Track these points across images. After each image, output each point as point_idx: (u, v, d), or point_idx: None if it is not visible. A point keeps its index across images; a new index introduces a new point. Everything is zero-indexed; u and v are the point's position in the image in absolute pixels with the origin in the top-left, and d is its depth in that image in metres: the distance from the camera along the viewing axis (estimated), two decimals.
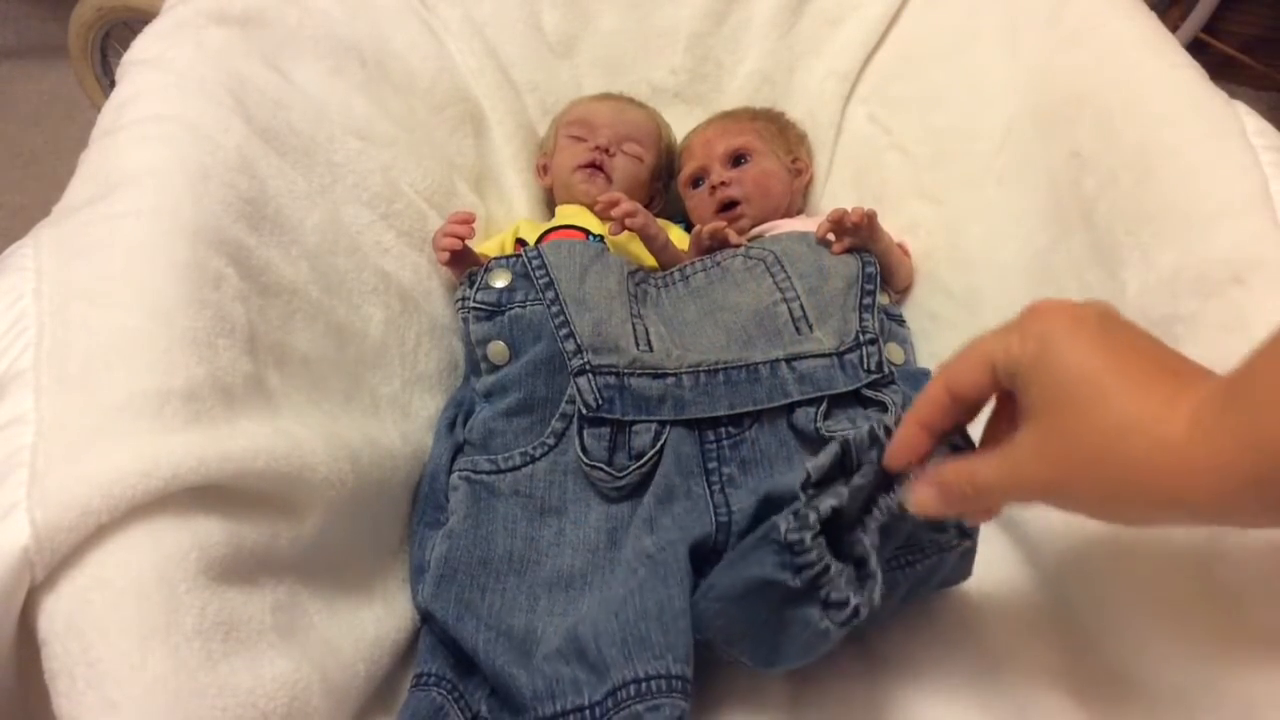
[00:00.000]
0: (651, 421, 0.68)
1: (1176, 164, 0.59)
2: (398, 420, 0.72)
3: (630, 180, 0.94)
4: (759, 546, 0.51)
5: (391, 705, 0.60)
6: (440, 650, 0.63)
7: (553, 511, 0.68)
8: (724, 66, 1.04)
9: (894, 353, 0.76)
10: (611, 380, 0.69)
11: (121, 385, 0.47)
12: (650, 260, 0.89)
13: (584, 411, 0.68)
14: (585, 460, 0.68)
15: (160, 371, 0.48)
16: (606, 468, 0.67)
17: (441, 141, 0.90)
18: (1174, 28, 1.59)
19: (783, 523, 0.49)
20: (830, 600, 0.47)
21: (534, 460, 0.70)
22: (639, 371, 0.70)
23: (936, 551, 0.56)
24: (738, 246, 0.84)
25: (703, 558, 0.62)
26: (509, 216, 0.97)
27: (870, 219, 0.79)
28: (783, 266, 0.78)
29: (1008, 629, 0.60)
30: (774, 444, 0.68)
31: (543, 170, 0.99)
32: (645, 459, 0.67)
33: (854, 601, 0.46)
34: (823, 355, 0.71)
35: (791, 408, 0.68)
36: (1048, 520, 0.61)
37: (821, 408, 0.68)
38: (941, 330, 0.81)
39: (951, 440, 0.46)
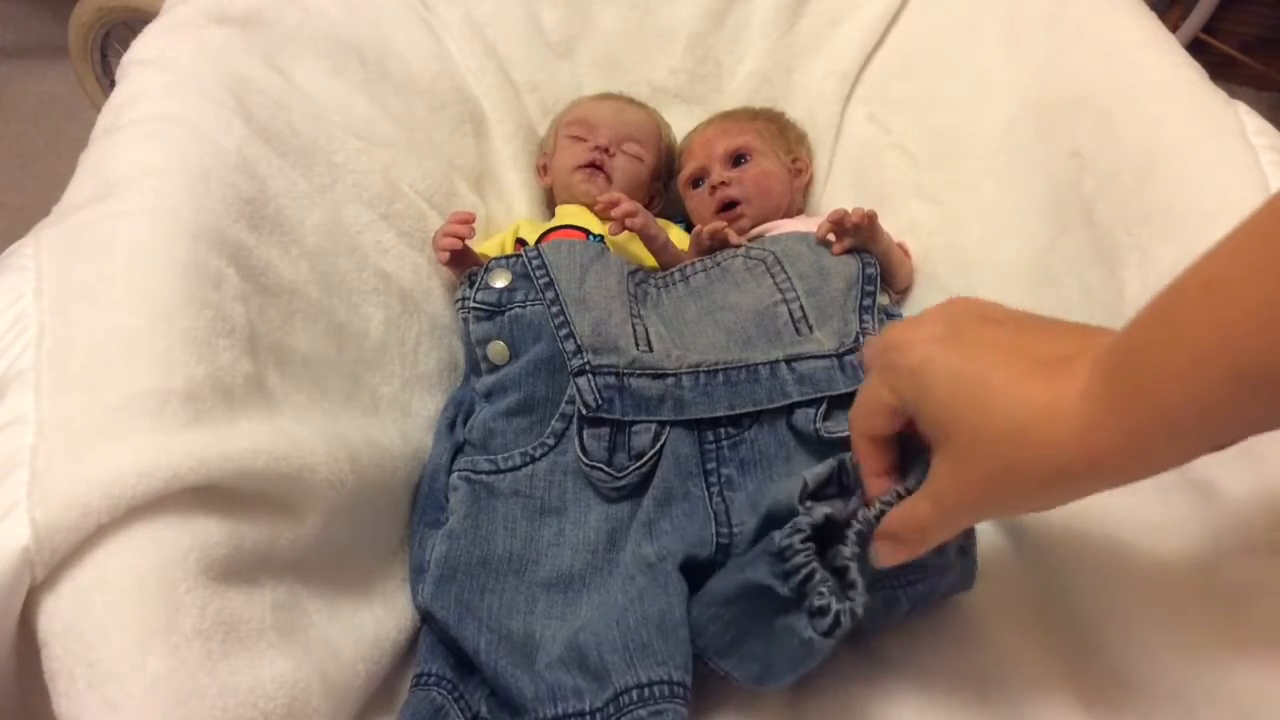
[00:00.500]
0: (651, 422, 0.68)
1: (1176, 164, 0.59)
2: (398, 420, 0.72)
3: (630, 180, 0.94)
4: (756, 555, 0.52)
5: (391, 705, 0.60)
6: (440, 650, 0.63)
7: (552, 512, 0.68)
8: (724, 66, 1.04)
9: None
10: (611, 380, 0.69)
11: (122, 385, 0.47)
12: (650, 260, 0.89)
13: (584, 411, 0.68)
14: (585, 460, 0.68)
15: (160, 371, 0.48)
16: (606, 468, 0.67)
17: (441, 141, 0.90)
18: (1174, 28, 1.59)
19: (778, 533, 0.50)
20: (814, 608, 0.48)
21: (534, 460, 0.70)
22: (639, 372, 0.70)
23: (938, 572, 0.56)
24: (738, 247, 0.84)
25: (699, 573, 0.63)
26: (509, 216, 0.97)
27: (870, 219, 0.79)
28: (783, 267, 0.78)
29: (1008, 630, 0.60)
30: (773, 445, 0.68)
31: (543, 170, 0.99)
32: (645, 459, 0.67)
33: (835, 608, 0.47)
34: (823, 356, 0.71)
35: (791, 409, 0.68)
36: (1048, 522, 0.61)
37: (821, 409, 0.68)
38: None
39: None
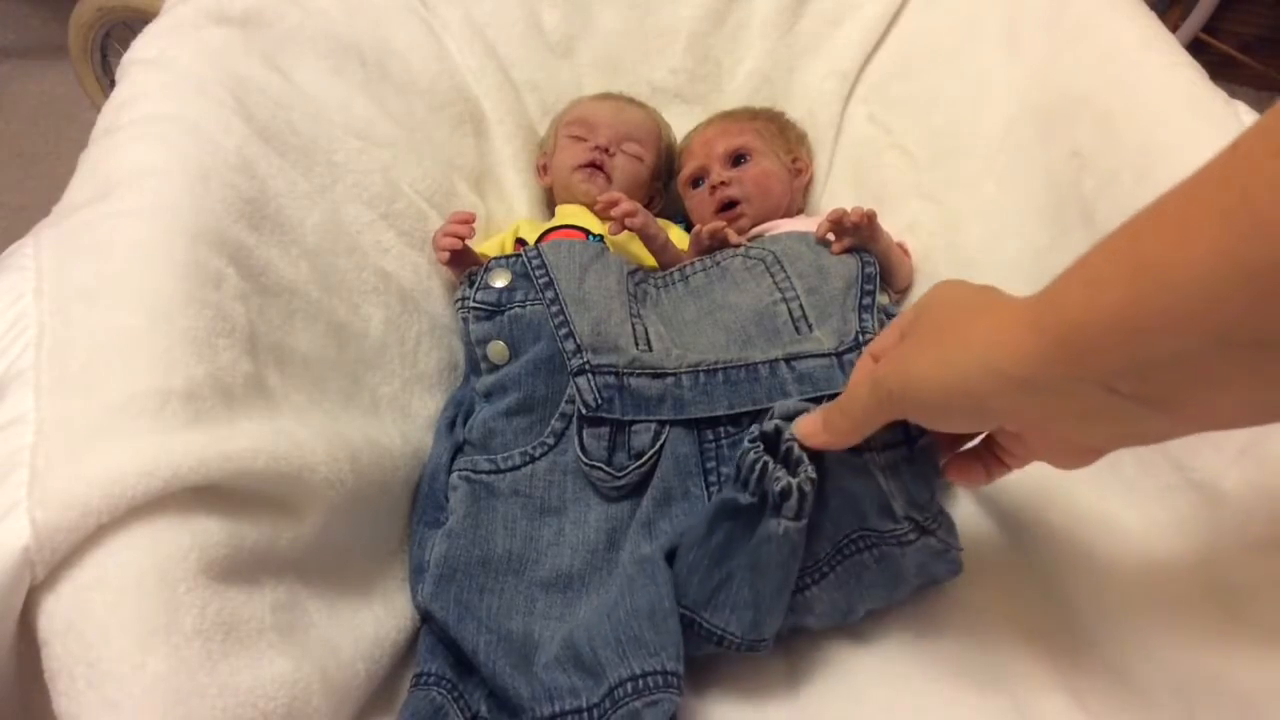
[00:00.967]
0: (651, 421, 0.68)
1: (1176, 164, 0.59)
2: (397, 420, 0.72)
3: (630, 180, 0.94)
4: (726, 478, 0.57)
5: (391, 705, 0.60)
6: (440, 650, 0.63)
7: (552, 511, 0.68)
8: (724, 66, 1.04)
9: None
10: (611, 380, 0.69)
11: (122, 385, 0.47)
12: (650, 260, 0.89)
13: (583, 411, 0.68)
14: (585, 460, 0.68)
15: (160, 371, 0.48)
16: (606, 467, 0.67)
17: (441, 141, 0.90)
18: (1174, 28, 1.59)
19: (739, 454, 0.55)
20: (776, 494, 0.52)
21: (533, 460, 0.70)
22: (638, 371, 0.70)
23: (895, 543, 0.58)
24: (737, 246, 0.84)
25: None
26: (509, 216, 0.97)
27: (870, 219, 0.79)
28: (782, 266, 0.78)
29: (1008, 628, 0.60)
30: None
31: (543, 170, 0.99)
32: (644, 459, 0.67)
33: (793, 482, 0.52)
34: (822, 355, 0.71)
35: None
36: (1048, 520, 0.61)
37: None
38: None
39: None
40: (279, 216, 0.65)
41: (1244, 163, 0.33)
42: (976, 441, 0.52)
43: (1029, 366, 0.38)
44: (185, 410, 0.48)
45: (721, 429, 0.69)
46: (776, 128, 0.97)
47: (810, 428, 0.53)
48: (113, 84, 0.68)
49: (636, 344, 0.72)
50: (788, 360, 0.70)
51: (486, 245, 0.90)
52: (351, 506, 0.60)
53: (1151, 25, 0.69)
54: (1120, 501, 0.56)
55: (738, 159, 0.93)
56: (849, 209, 0.78)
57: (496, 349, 0.74)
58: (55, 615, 0.41)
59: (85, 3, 1.21)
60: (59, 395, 0.46)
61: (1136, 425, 0.39)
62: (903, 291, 0.87)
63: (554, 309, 0.73)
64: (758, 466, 0.53)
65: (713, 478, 0.67)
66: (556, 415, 0.70)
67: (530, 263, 0.77)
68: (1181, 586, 0.50)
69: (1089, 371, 0.37)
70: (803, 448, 0.53)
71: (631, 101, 1.01)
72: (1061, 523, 0.60)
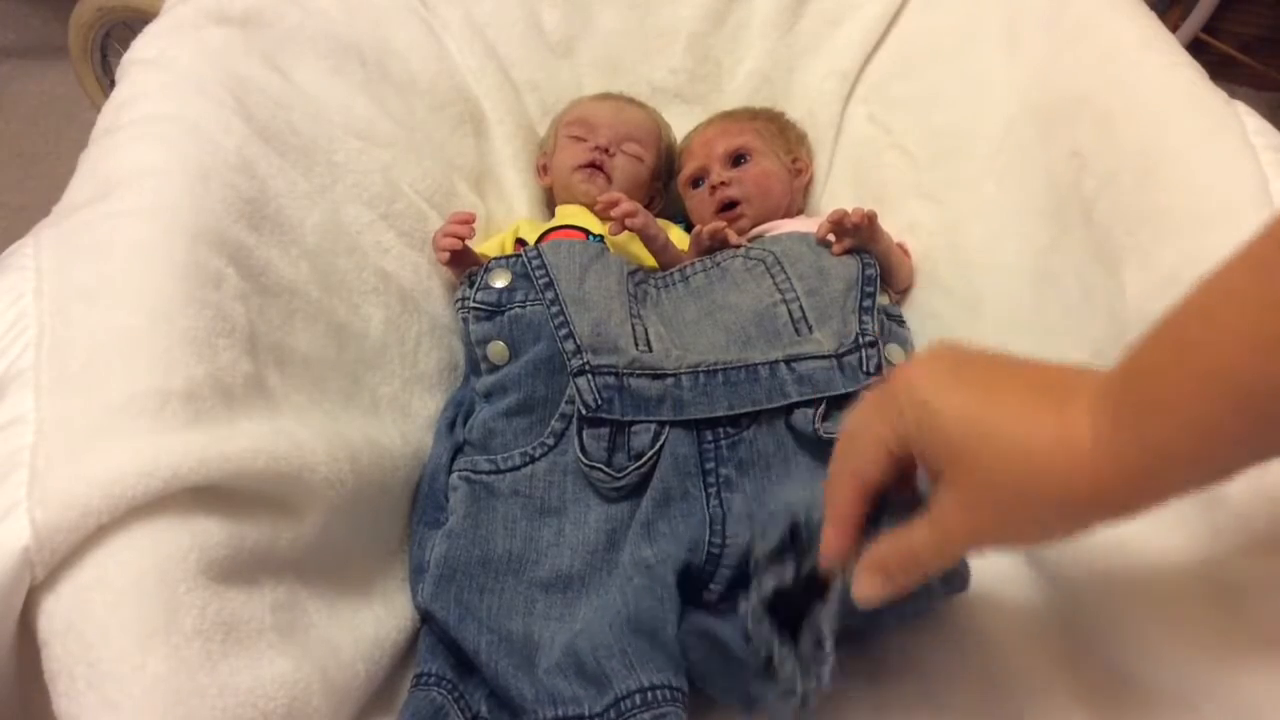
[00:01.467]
0: (650, 422, 0.68)
1: (1176, 164, 0.59)
2: (398, 420, 0.72)
3: (630, 180, 0.94)
4: (736, 617, 0.52)
5: (392, 705, 0.60)
6: (440, 650, 0.63)
7: (552, 512, 0.68)
8: (724, 66, 1.04)
9: (894, 353, 0.76)
10: (611, 380, 0.69)
11: (121, 385, 0.47)
12: (650, 260, 0.89)
13: (583, 412, 0.68)
14: (584, 460, 0.68)
15: (160, 371, 0.48)
16: (605, 468, 0.67)
17: (441, 141, 0.90)
18: (1174, 28, 1.59)
19: (742, 604, 0.50)
20: (782, 690, 0.48)
21: (533, 460, 0.70)
22: (638, 372, 0.70)
23: (926, 596, 0.56)
24: (738, 247, 0.84)
25: (689, 583, 0.63)
26: (509, 216, 0.97)
27: (870, 219, 0.79)
28: (783, 267, 0.78)
29: (1008, 629, 0.60)
30: (772, 445, 0.68)
31: (543, 170, 0.99)
32: (644, 459, 0.67)
33: (800, 691, 0.47)
34: (822, 357, 0.71)
35: (790, 409, 0.68)
36: None
37: (820, 409, 0.68)
38: (941, 330, 0.81)
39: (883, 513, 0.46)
40: (279, 216, 0.65)
41: None
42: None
43: (1112, 502, 0.36)
44: (185, 410, 0.48)
45: (721, 430, 0.69)
46: (776, 128, 0.97)
47: (871, 589, 0.45)
48: (113, 84, 0.68)
49: (636, 344, 0.72)
50: (788, 361, 0.70)
51: (486, 245, 0.90)
52: (351, 507, 0.60)
53: (1151, 25, 0.69)
54: None
55: (738, 159, 0.93)
56: (849, 210, 0.78)
57: (496, 349, 0.74)
58: (55, 615, 0.41)
59: (85, 3, 1.21)
60: (59, 395, 0.46)
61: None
62: (903, 292, 0.87)
63: (554, 309, 0.73)
64: (763, 652, 0.48)
65: (711, 478, 0.67)
66: (556, 416, 0.70)
67: (530, 263, 0.77)
68: (1183, 587, 0.50)
69: (1175, 489, 0.35)
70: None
71: (631, 101, 1.01)
72: None
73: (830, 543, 0.46)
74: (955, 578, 0.58)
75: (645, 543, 0.63)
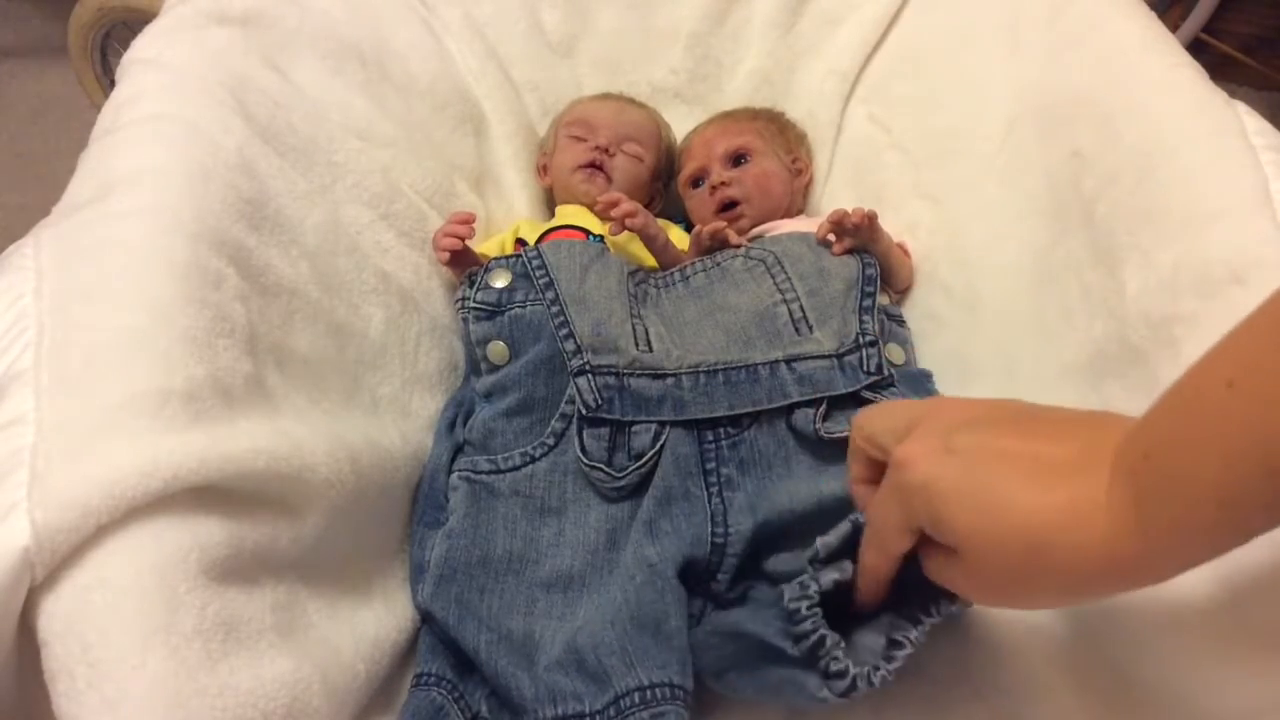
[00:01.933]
0: (651, 422, 0.68)
1: (1176, 164, 0.59)
2: (398, 420, 0.72)
3: (630, 180, 0.94)
4: (766, 609, 0.52)
5: (392, 705, 0.60)
6: (440, 650, 0.63)
7: (552, 512, 0.68)
8: (724, 66, 1.04)
9: (894, 353, 0.76)
10: (611, 380, 0.69)
11: (121, 385, 0.47)
12: (650, 260, 0.89)
13: (583, 412, 0.68)
14: (585, 460, 0.68)
15: (160, 371, 0.48)
16: (606, 468, 0.67)
17: (441, 141, 0.90)
18: (1174, 28, 1.59)
19: (788, 591, 0.50)
20: (830, 671, 0.48)
21: (534, 460, 0.70)
22: (638, 372, 0.70)
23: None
24: (738, 247, 0.84)
25: (695, 577, 0.63)
26: (509, 216, 0.97)
27: (871, 220, 0.79)
28: (783, 267, 0.78)
29: (1007, 629, 0.60)
30: (772, 445, 0.68)
31: (543, 170, 0.99)
32: (645, 459, 0.67)
33: (853, 672, 0.47)
34: (822, 356, 0.71)
35: (791, 409, 0.68)
36: None
37: (821, 409, 0.68)
38: (941, 330, 0.81)
39: None
40: (279, 217, 0.65)
41: None
42: None
43: (1130, 577, 0.35)
44: (185, 411, 0.48)
45: (721, 429, 0.69)
46: (776, 128, 0.97)
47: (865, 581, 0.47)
48: (113, 84, 0.68)
49: (636, 344, 0.72)
50: (788, 361, 0.70)
51: (486, 245, 0.90)
52: (352, 507, 0.60)
53: (1152, 26, 0.69)
54: None
55: (738, 159, 0.93)
56: (850, 210, 0.78)
57: (496, 349, 0.74)
58: (55, 616, 0.41)
59: (85, 3, 1.21)
60: (59, 395, 0.46)
61: None
62: (903, 292, 0.87)
63: (554, 309, 0.73)
64: (812, 637, 0.48)
65: (712, 478, 0.67)
66: (556, 416, 0.70)
67: (530, 263, 0.77)
68: (1183, 587, 0.50)
69: (1197, 560, 0.34)
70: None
71: (631, 102, 1.00)
72: None
73: (864, 602, 0.48)
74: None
75: (648, 541, 0.63)
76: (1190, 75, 0.64)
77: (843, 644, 0.48)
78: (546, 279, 0.75)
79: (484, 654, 0.59)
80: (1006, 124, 0.77)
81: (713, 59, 1.04)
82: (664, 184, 1.01)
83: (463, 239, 0.80)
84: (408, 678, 0.63)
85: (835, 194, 0.98)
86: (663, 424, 0.68)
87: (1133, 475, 0.34)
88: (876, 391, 0.70)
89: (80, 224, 0.54)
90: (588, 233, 0.89)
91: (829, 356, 0.71)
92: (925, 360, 0.81)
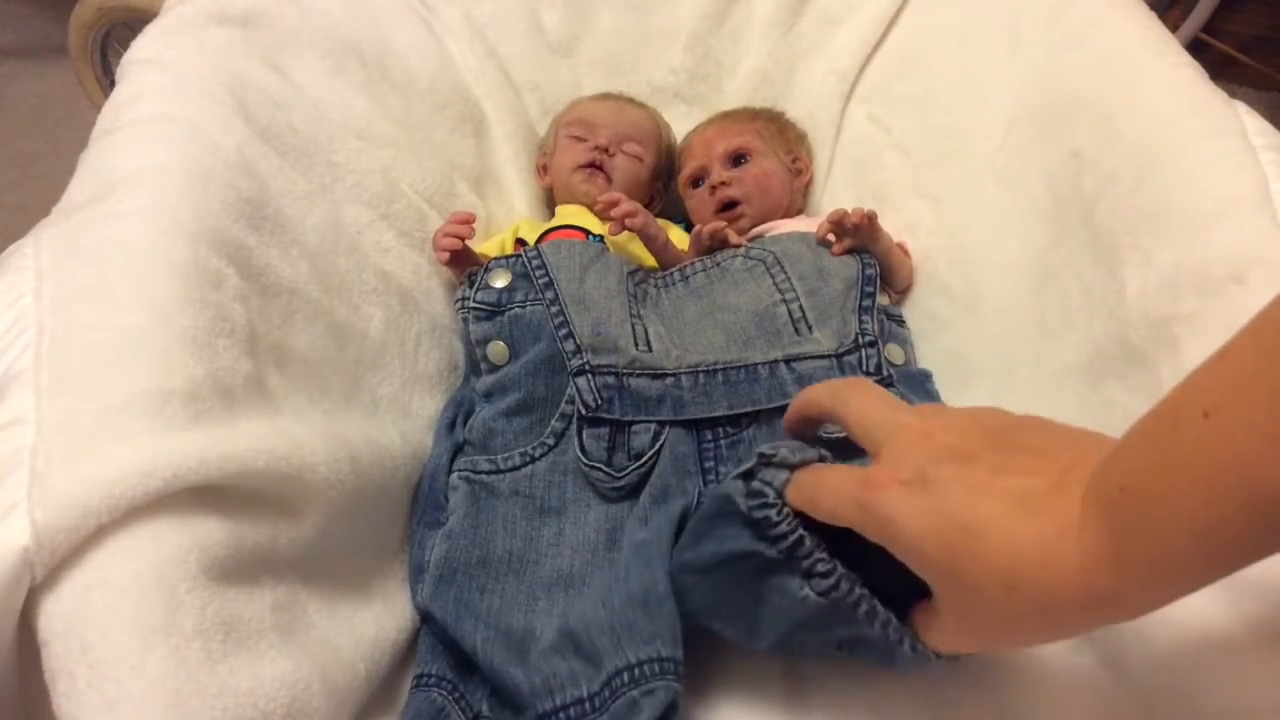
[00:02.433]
0: (650, 422, 0.68)
1: (1176, 164, 0.59)
2: (397, 420, 0.72)
3: (630, 180, 0.94)
4: (725, 518, 0.51)
5: (392, 706, 0.60)
6: (440, 650, 0.63)
7: (552, 512, 0.68)
8: (724, 66, 1.04)
9: (894, 353, 0.76)
10: (610, 380, 0.69)
11: (121, 385, 0.47)
12: (650, 260, 0.89)
13: (583, 411, 0.68)
14: (584, 460, 0.68)
15: (160, 371, 0.48)
16: (605, 468, 0.67)
17: (441, 141, 0.90)
18: (1174, 28, 1.59)
19: (739, 496, 0.49)
20: (814, 570, 0.47)
21: (533, 460, 0.70)
22: (638, 372, 0.70)
23: None
24: (738, 247, 0.84)
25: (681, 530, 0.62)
26: (509, 216, 0.97)
27: (870, 220, 0.79)
28: (783, 267, 0.78)
29: None
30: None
31: (543, 170, 0.99)
32: (644, 459, 0.67)
33: (839, 571, 0.46)
34: (822, 356, 0.71)
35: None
36: None
37: None
38: (941, 330, 0.81)
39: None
40: (279, 217, 0.65)
41: None
42: None
43: (1108, 612, 0.34)
44: (185, 410, 0.48)
45: (721, 429, 0.69)
46: (776, 128, 0.97)
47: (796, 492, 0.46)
48: (113, 84, 0.68)
49: (636, 344, 0.72)
50: (788, 361, 0.70)
51: (486, 245, 0.90)
52: (351, 507, 0.60)
53: (1152, 25, 0.69)
54: None
55: (738, 159, 0.93)
56: (849, 210, 0.78)
57: (496, 349, 0.74)
58: (55, 616, 0.41)
59: (85, 3, 1.21)
60: (59, 395, 0.46)
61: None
62: (903, 292, 0.87)
63: (554, 309, 0.73)
64: (790, 537, 0.47)
65: (711, 477, 0.67)
66: (556, 416, 0.70)
67: (530, 263, 0.77)
68: None
69: (1177, 593, 0.33)
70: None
71: (631, 101, 1.01)
72: None
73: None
74: None
75: (640, 528, 0.63)
76: (1190, 75, 0.64)
77: (821, 544, 0.47)
78: (546, 279, 0.75)
79: (481, 651, 0.59)
80: (1006, 124, 0.77)
81: (713, 59, 1.04)
82: (664, 184, 1.01)
83: (463, 239, 0.80)
84: (408, 678, 0.63)
85: (835, 194, 0.98)
86: (662, 424, 0.68)
87: (1108, 508, 0.33)
88: None
89: (80, 224, 0.54)
90: (588, 233, 0.89)
91: (828, 356, 0.71)
92: (925, 360, 0.81)
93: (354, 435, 0.62)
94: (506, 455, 0.70)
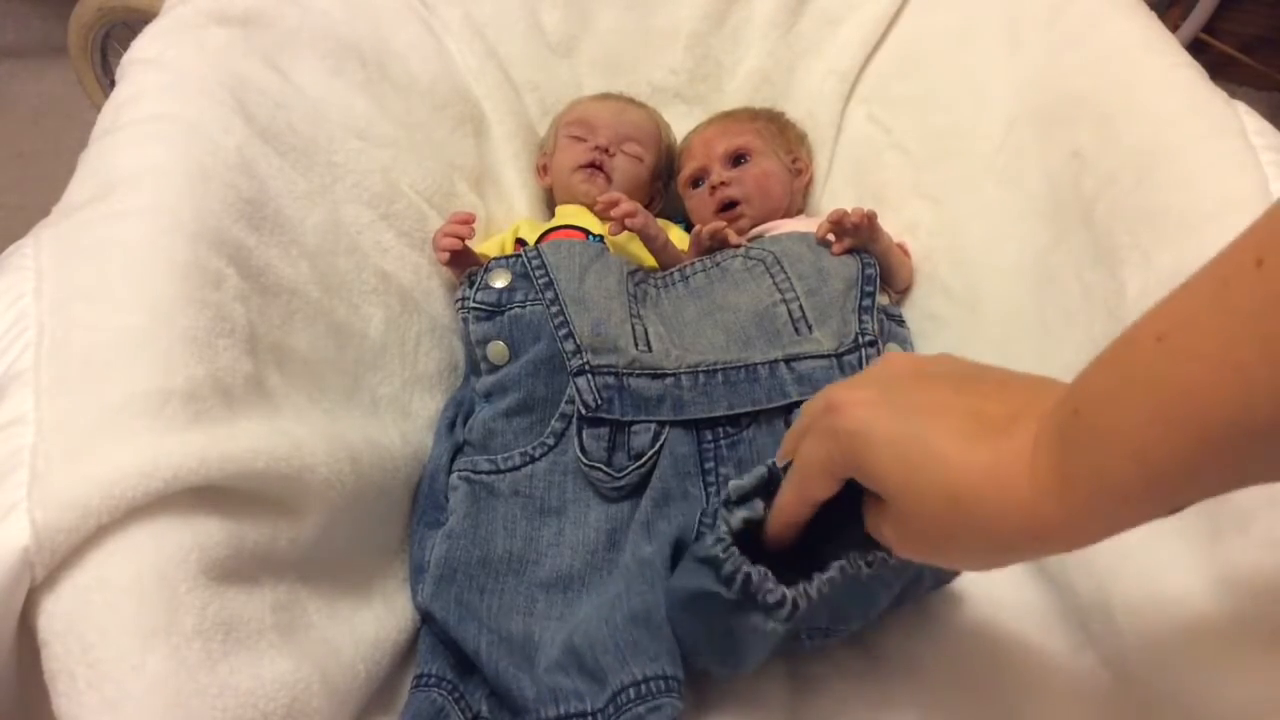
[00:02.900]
0: (650, 422, 0.68)
1: (1176, 164, 0.59)
2: (398, 420, 0.72)
3: (630, 180, 0.94)
4: (695, 560, 0.52)
5: (392, 706, 0.60)
6: (440, 651, 0.63)
7: (552, 512, 0.68)
8: (724, 66, 1.04)
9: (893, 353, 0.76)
10: (610, 380, 0.69)
11: (121, 385, 0.47)
12: (650, 260, 0.89)
13: (583, 411, 0.68)
14: (584, 460, 0.68)
15: (160, 371, 0.48)
16: (605, 468, 0.67)
17: (441, 141, 0.90)
18: (1174, 28, 1.59)
19: (706, 539, 0.50)
20: (768, 604, 0.47)
21: (533, 460, 0.70)
22: (638, 372, 0.70)
23: (916, 584, 0.56)
24: (738, 247, 0.84)
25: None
26: (509, 216, 0.97)
27: (870, 219, 0.79)
28: (782, 267, 0.78)
29: (1005, 628, 0.60)
30: (771, 445, 0.68)
31: (543, 170, 0.99)
32: (644, 459, 0.67)
33: (790, 596, 0.47)
34: (822, 356, 0.71)
35: (790, 409, 0.68)
36: None
37: None
38: (941, 330, 0.81)
39: None
40: (279, 217, 0.65)
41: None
42: None
43: (1053, 538, 0.34)
44: (185, 411, 0.48)
45: (720, 429, 0.69)
46: (776, 128, 0.97)
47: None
48: (113, 84, 0.68)
49: (636, 344, 0.72)
50: (787, 361, 0.70)
51: (486, 245, 0.90)
52: (351, 507, 0.60)
53: (1152, 26, 0.69)
54: None
55: (738, 159, 0.93)
56: (849, 210, 0.78)
57: (496, 349, 0.74)
58: (55, 616, 0.41)
59: (85, 3, 1.21)
60: (59, 395, 0.46)
61: None
62: (903, 292, 0.87)
63: (554, 309, 0.73)
64: (739, 576, 0.47)
65: (711, 478, 0.67)
66: (556, 416, 0.70)
67: (530, 263, 0.77)
68: (1182, 586, 0.50)
69: (1124, 524, 0.32)
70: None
71: (631, 102, 1.01)
72: None
73: (774, 540, 0.47)
74: (944, 571, 0.58)
75: (645, 541, 0.63)
76: (1190, 75, 0.64)
77: (769, 574, 0.47)
78: (546, 279, 0.75)
79: (485, 655, 0.59)
80: (1006, 124, 0.77)
81: (713, 59, 1.04)
82: (664, 184, 1.01)
83: (463, 239, 0.80)
84: (408, 678, 0.63)
85: (835, 194, 0.98)
86: (662, 424, 0.68)
87: (1059, 432, 0.33)
88: None
89: (80, 224, 0.54)
90: (588, 233, 0.89)
91: (828, 356, 0.71)
92: None
93: (354, 435, 0.62)
94: (506, 455, 0.70)
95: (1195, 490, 0.31)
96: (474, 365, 0.77)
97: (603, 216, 0.86)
